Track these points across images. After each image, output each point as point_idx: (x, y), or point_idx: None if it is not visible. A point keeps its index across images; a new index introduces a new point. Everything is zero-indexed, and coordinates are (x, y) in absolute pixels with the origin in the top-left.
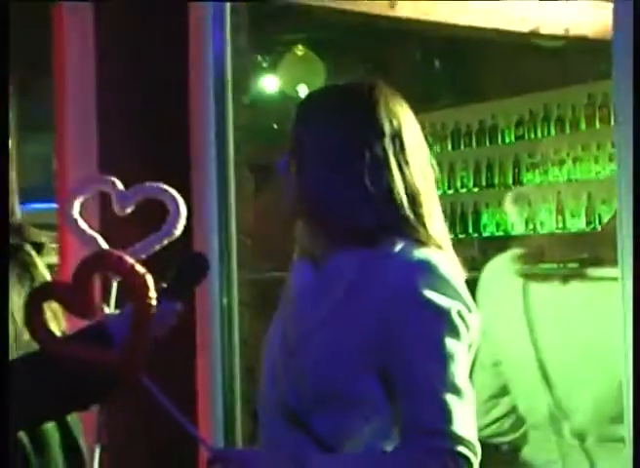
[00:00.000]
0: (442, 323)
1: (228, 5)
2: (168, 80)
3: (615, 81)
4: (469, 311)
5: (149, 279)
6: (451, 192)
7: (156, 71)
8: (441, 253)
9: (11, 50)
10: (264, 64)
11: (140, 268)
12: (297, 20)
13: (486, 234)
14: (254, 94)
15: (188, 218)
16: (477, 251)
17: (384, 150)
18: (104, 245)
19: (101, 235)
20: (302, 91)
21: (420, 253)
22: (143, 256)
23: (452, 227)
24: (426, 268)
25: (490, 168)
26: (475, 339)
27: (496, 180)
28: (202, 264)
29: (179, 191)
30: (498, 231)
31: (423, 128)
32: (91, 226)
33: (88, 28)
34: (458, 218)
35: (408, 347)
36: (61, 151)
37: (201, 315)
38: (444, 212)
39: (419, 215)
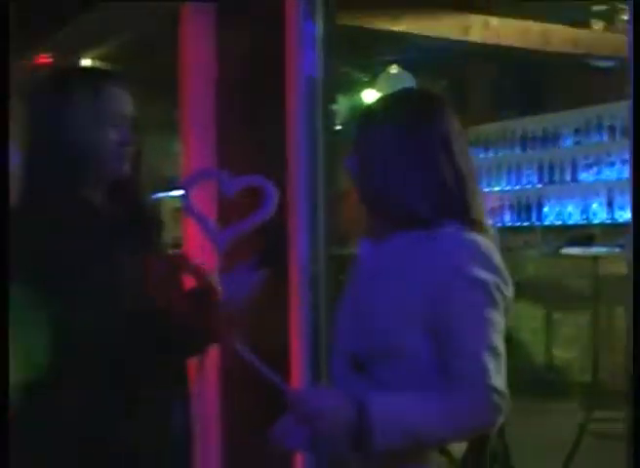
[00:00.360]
0: (482, 293)
1: (321, 28)
2: (273, 92)
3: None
4: (505, 284)
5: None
6: (518, 187)
7: (265, 80)
8: (482, 234)
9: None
10: (365, 79)
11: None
12: (391, 44)
13: (546, 223)
14: (356, 102)
15: (284, 203)
16: (539, 236)
17: (436, 150)
18: (213, 224)
19: (213, 215)
20: None
21: (465, 235)
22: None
23: (519, 216)
24: (470, 248)
25: (551, 168)
26: (510, 307)
27: (556, 178)
28: (281, 244)
29: (277, 181)
30: (557, 220)
31: (497, 134)
32: (205, 209)
33: (211, 49)
34: (524, 209)
35: (454, 313)
36: (187, 148)
37: (294, 282)
38: (513, 204)
39: (463, 204)
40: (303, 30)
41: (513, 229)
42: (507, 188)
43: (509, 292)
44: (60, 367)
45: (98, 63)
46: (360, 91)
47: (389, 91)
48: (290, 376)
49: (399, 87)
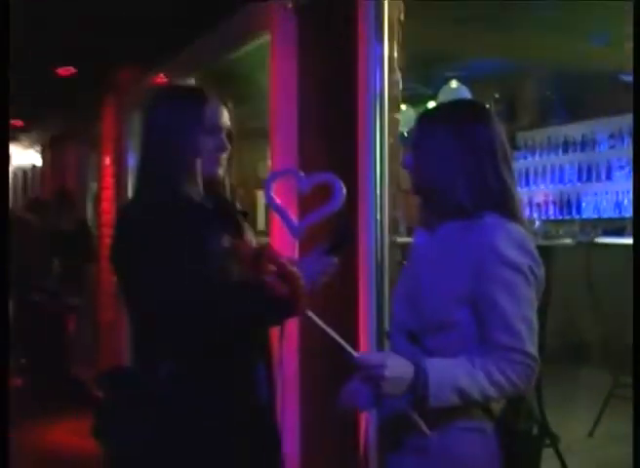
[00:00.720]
0: (517, 274)
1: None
2: (346, 105)
3: None
4: (537, 266)
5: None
6: (560, 185)
7: (339, 95)
8: (517, 224)
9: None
10: (429, 92)
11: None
12: (451, 62)
13: (584, 216)
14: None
15: (354, 199)
16: (577, 227)
17: (481, 152)
18: (291, 214)
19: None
20: None
21: (502, 223)
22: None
23: (560, 210)
24: (506, 234)
25: (589, 168)
26: (542, 286)
27: (593, 177)
28: (349, 233)
29: (349, 181)
30: (593, 214)
31: (542, 139)
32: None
33: (293, 69)
34: (565, 204)
35: (493, 290)
36: (274, 153)
37: (362, 266)
38: (555, 200)
39: (502, 198)
40: (372, 52)
41: (556, 221)
42: (551, 186)
43: (541, 273)
44: (173, 337)
45: (203, 82)
46: (424, 102)
47: None
48: (358, 349)
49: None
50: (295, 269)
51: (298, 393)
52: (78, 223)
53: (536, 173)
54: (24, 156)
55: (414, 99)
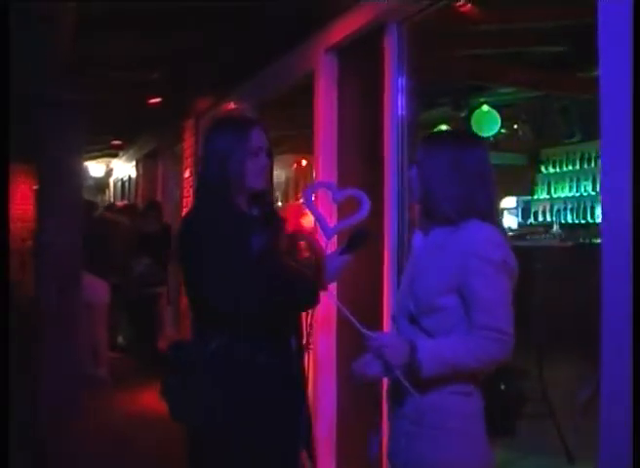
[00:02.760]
0: (492, 266)
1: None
2: (375, 127)
3: None
4: (511, 259)
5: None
6: (578, 194)
7: (370, 119)
8: (493, 226)
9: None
10: (462, 115)
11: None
12: (484, 89)
13: (598, 221)
14: None
15: (381, 205)
16: (592, 232)
17: (469, 173)
18: (325, 220)
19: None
20: (486, 133)
21: (482, 227)
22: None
23: (577, 216)
24: (484, 236)
25: None
26: (515, 277)
27: None
28: (364, 236)
29: (377, 189)
30: None
31: (562, 155)
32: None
33: (334, 99)
34: (582, 211)
35: (473, 280)
36: (317, 167)
37: (387, 261)
38: (573, 207)
39: (483, 207)
40: (396, 82)
41: (572, 225)
42: (570, 195)
43: (514, 266)
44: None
45: (261, 108)
46: (457, 124)
47: (481, 124)
48: (382, 325)
49: (488, 121)
50: (318, 240)
51: (335, 375)
52: (162, 226)
53: (556, 183)
54: (123, 169)
55: (450, 120)
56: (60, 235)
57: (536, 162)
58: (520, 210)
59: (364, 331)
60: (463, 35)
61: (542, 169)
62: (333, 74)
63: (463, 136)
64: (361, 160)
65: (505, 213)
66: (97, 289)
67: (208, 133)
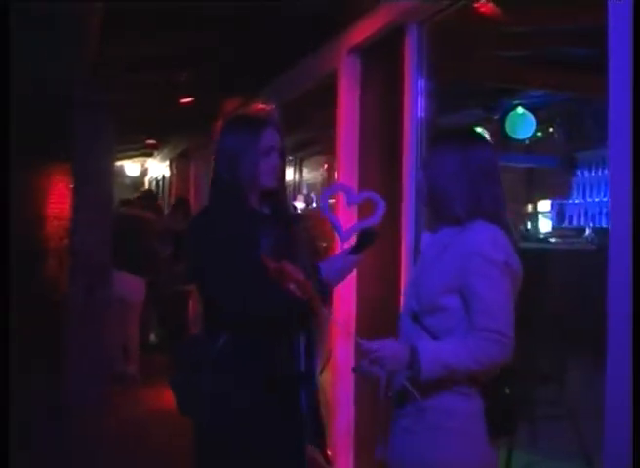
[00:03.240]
0: (495, 268)
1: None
2: (395, 129)
3: None
4: (515, 261)
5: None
6: (590, 200)
7: (390, 121)
8: (498, 228)
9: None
10: (495, 117)
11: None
12: (518, 92)
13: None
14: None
15: (399, 204)
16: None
17: (476, 174)
18: (340, 222)
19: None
20: (521, 135)
21: (488, 228)
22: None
23: (587, 221)
24: (488, 237)
25: None
26: (518, 279)
27: None
28: (372, 236)
29: (395, 190)
30: None
31: (597, 158)
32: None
33: (355, 102)
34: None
35: (475, 282)
36: (339, 168)
37: (404, 259)
38: (587, 212)
39: (490, 208)
40: (415, 85)
41: (604, 229)
42: (605, 199)
43: (518, 268)
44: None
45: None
46: (490, 126)
47: (515, 127)
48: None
49: (523, 124)
50: (305, 279)
51: (352, 378)
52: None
53: (591, 187)
54: (158, 169)
55: (484, 123)
56: (91, 233)
57: (571, 165)
58: (555, 213)
59: (362, 342)
60: (490, 36)
61: (578, 172)
62: (355, 75)
63: (469, 135)
64: (381, 160)
65: (540, 216)
66: (132, 286)
67: (222, 132)
